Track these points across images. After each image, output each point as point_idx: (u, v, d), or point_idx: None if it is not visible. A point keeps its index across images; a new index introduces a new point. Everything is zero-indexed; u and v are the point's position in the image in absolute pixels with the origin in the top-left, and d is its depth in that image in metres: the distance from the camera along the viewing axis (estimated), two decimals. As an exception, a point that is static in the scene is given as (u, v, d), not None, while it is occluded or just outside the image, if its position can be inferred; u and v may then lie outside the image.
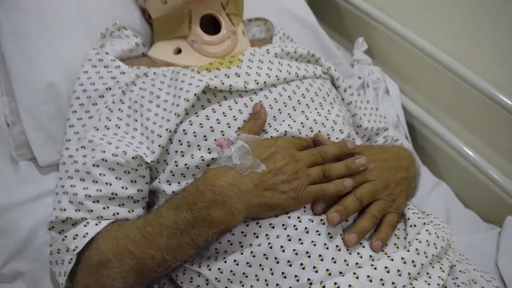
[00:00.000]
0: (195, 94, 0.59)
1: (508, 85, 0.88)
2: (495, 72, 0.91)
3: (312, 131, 0.60)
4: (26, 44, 0.72)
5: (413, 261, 0.48)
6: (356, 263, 0.49)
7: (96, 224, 0.57)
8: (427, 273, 0.50)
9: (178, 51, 0.71)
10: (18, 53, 0.71)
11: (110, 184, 0.59)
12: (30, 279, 0.63)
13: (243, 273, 0.51)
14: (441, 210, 0.90)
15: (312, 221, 0.51)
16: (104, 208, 0.58)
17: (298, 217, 0.52)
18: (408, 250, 0.49)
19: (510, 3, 0.84)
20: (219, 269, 0.52)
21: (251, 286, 0.50)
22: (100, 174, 0.59)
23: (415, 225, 0.54)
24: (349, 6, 1.19)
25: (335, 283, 0.46)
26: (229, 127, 0.59)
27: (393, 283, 0.47)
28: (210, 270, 0.52)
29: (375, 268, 0.47)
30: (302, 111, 0.63)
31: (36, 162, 0.72)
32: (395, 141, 0.80)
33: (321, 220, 0.52)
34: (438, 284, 0.49)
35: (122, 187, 0.59)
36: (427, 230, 0.52)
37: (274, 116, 0.61)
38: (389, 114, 1.03)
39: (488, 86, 0.89)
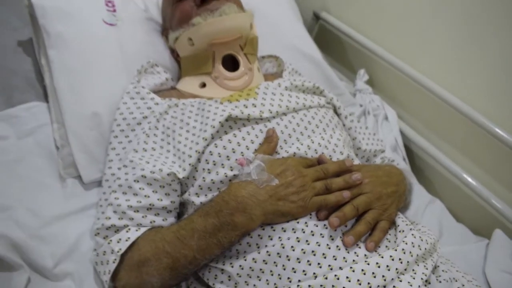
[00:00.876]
0: (219, 122, 0.71)
1: (492, 111, 0.99)
2: (482, 100, 1.01)
3: (316, 153, 0.72)
4: (74, 79, 0.85)
5: (400, 259, 0.59)
6: (353, 260, 0.60)
7: (136, 230, 0.69)
8: (413, 270, 0.60)
9: (203, 85, 0.84)
10: (68, 87, 0.84)
11: (148, 197, 0.70)
12: (77, 278, 0.73)
13: (260, 269, 0.61)
14: (435, 224, 0.99)
15: (317, 226, 0.62)
16: (143, 216, 0.70)
17: (306, 222, 0.63)
18: (396, 250, 0.60)
19: (499, 37, 0.95)
20: (240, 266, 0.62)
21: (267, 280, 0.61)
22: (139, 188, 0.70)
23: (403, 231, 0.65)
24: (352, 41, 1.32)
25: (335, 275, 0.57)
26: (248, 149, 0.71)
27: (383, 276, 0.57)
28: (232, 267, 0.63)
29: (368, 264, 0.58)
30: (308, 136, 0.75)
31: (81, 180, 0.84)
32: (392, 161, 0.91)
33: (324, 225, 0.63)
34: (422, 279, 0.59)
35: (158, 199, 0.70)
36: (412, 234, 0.63)
37: (284, 140, 0.73)
38: (388, 138, 1.14)
39: (474, 112, 1.01)
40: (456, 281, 0.65)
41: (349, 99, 1.16)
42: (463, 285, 0.65)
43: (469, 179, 1.03)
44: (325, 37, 1.42)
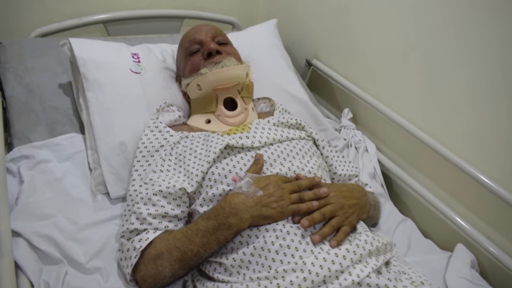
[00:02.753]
0: (220, 149, 0.92)
1: (452, 143, 1.17)
2: (445, 134, 1.20)
3: (295, 173, 0.91)
4: (107, 115, 1.07)
5: (354, 252, 0.77)
6: (319, 253, 0.78)
7: (153, 232, 0.88)
8: (366, 261, 0.78)
9: (208, 121, 1.05)
10: (101, 121, 1.06)
11: (164, 207, 0.90)
12: (104, 272, 0.91)
13: (248, 261, 0.80)
14: (405, 239, 1.15)
15: (292, 227, 0.81)
16: (159, 222, 0.89)
17: (283, 224, 0.81)
18: (351, 245, 0.78)
19: (470, 76, 1.14)
20: (233, 258, 0.81)
21: (254, 269, 0.79)
22: (157, 200, 0.90)
23: (360, 233, 0.83)
24: (339, 85, 1.53)
25: (303, 261, 0.75)
26: (241, 170, 0.91)
27: (340, 263, 0.75)
28: (227, 259, 0.81)
29: (329, 254, 0.76)
30: (290, 161, 0.95)
31: (109, 195, 1.04)
32: (365, 185, 1.10)
33: (298, 227, 0.81)
34: (372, 268, 0.77)
35: (171, 209, 0.90)
36: (366, 234, 0.81)
37: (270, 164, 0.93)
38: (367, 167, 1.32)
39: (440, 146, 1.17)
40: (405, 274, 0.82)
41: (333, 133, 1.36)
42: (411, 278, 0.82)
43: (436, 201, 1.21)
44: (316, 81, 1.64)
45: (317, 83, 1.64)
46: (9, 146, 1.11)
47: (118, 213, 1.03)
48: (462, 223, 1.15)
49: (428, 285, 0.82)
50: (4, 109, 1.15)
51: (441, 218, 1.20)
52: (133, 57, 1.16)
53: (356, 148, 1.38)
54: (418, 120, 1.26)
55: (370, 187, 1.10)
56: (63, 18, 1.47)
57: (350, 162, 1.14)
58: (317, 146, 1.07)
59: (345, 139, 1.40)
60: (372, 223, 1.05)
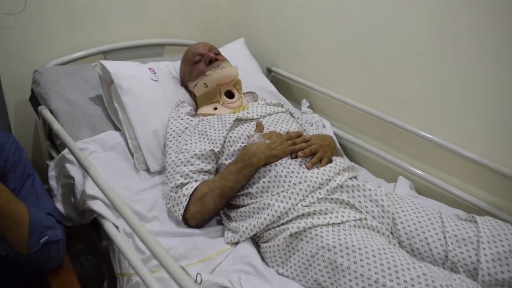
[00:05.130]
0: (233, 120, 1.33)
1: (381, 105, 1.66)
2: (380, 100, 1.69)
3: (285, 132, 1.34)
4: (140, 113, 1.44)
5: (335, 168, 1.21)
6: (312, 172, 1.20)
7: (195, 182, 1.25)
8: (343, 174, 1.22)
9: (215, 108, 1.46)
10: (137, 117, 1.43)
11: (199, 165, 1.28)
12: (161, 219, 1.26)
13: (267, 186, 1.20)
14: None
15: (291, 161, 1.23)
16: (197, 176, 1.27)
17: (286, 160, 1.23)
18: (331, 163, 1.22)
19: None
20: (256, 187, 1.21)
21: (272, 191, 1.19)
22: (194, 161, 1.28)
23: (335, 160, 1.27)
24: (295, 83, 1.99)
25: (305, 176, 1.17)
26: (249, 132, 1.32)
27: (327, 175, 1.18)
28: (252, 188, 1.22)
29: (319, 171, 1.19)
30: (280, 125, 1.38)
31: (148, 171, 1.40)
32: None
33: (295, 161, 1.24)
34: (347, 177, 1.20)
35: (205, 166, 1.28)
36: (339, 160, 1.26)
37: (267, 128, 1.35)
38: (326, 138, 1.79)
39: (373, 111, 1.67)
40: (368, 182, 1.27)
41: (299, 115, 1.82)
42: (372, 185, 1.26)
43: (379, 151, 1.68)
44: (277, 83, 2.10)
45: (277, 85, 2.10)
46: (57, 147, 1.44)
47: (158, 182, 1.39)
48: (400, 162, 1.63)
49: (383, 188, 1.26)
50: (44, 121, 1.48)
51: (384, 164, 1.68)
52: (150, 70, 1.55)
53: (316, 126, 1.84)
54: (358, 96, 1.75)
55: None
56: (69, 51, 1.80)
57: (316, 128, 1.59)
58: (293, 117, 1.52)
59: (306, 121, 1.86)
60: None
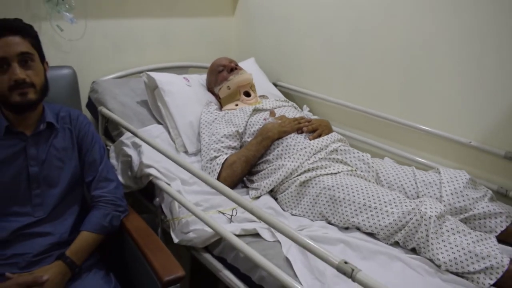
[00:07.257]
0: (252, 110, 1.74)
1: (364, 101, 2.08)
2: (360, 95, 2.11)
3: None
4: (180, 109, 1.86)
5: (331, 138, 1.62)
6: (313, 142, 1.60)
7: (226, 155, 1.65)
8: (337, 142, 1.62)
9: (236, 105, 1.88)
10: (178, 112, 1.85)
11: (228, 142, 1.68)
12: (199, 183, 1.65)
13: (281, 154, 1.60)
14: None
15: (298, 135, 1.64)
16: (227, 150, 1.67)
17: (294, 135, 1.64)
18: (328, 136, 1.62)
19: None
20: (272, 154, 1.61)
21: (284, 158, 1.59)
22: (224, 140, 1.68)
23: (331, 134, 1.68)
24: (298, 93, 2.42)
25: (309, 143, 1.57)
26: (264, 119, 1.73)
27: (326, 142, 1.59)
28: (269, 156, 1.61)
29: (319, 141, 1.59)
30: (288, 115, 1.79)
31: (187, 153, 1.80)
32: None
33: (301, 135, 1.64)
34: (340, 143, 1.60)
35: (232, 143, 1.68)
36: (334, 133, 1.66)
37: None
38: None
39: (359, 106, 2.09)
40: (353, 148, 1.66)
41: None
42: (359, 152, 1.65)
43: (367, 139, 2.08)
44: (282, 94, 2.53)
45: (286, 94, 2.53)
46: (113, 139, 1.85)
47: (194, 160, 1.78)
48: (386, 146, 2.02)
49: (369, 154, 1.65)
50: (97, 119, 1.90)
51: (373, 150, 2.07)
52: (184, 79, 1.99)
53: (316, 124, 2.25)
54: (347, 96, 2.17)
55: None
56: (111, 72, 2.24)
57: (316, 118, 2.00)
58: (297, 110, 1.94)
59: (308, 121, 2.27)
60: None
